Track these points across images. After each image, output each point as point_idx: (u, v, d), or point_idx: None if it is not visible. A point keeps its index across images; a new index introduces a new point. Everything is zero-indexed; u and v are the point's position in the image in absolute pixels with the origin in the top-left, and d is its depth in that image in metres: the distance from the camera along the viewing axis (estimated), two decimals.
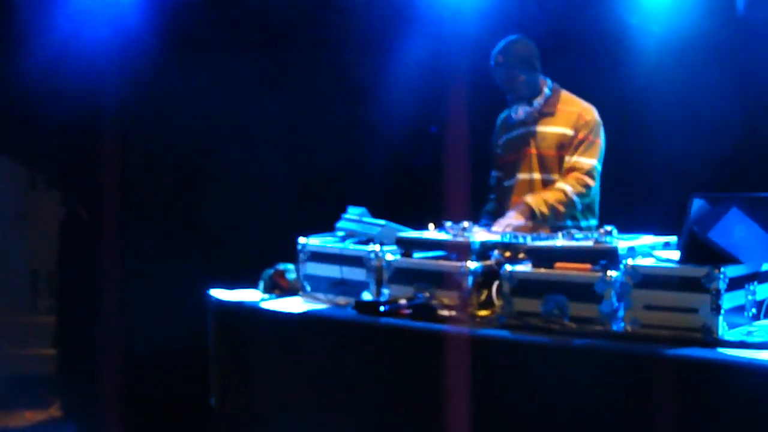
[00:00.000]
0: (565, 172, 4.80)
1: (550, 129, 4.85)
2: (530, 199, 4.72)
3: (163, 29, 6.38)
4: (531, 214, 4.68)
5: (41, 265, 8.16)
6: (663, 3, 5.79)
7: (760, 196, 3.64)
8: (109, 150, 6.52)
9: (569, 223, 4.75)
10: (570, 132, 4.82)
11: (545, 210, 4.69)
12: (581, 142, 4.80)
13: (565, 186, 4.76)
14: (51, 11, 6.25)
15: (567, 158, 4.81)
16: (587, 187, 4.78)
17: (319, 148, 6.49)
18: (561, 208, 4.73)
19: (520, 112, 4.88)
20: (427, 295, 4.00)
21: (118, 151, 6.55)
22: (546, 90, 4.88)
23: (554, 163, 4.84)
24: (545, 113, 4.86)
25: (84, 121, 6.49)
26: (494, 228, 4.53)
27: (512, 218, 4.64)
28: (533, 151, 4.88)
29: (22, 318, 8.13)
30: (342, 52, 6.52)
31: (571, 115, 4.84)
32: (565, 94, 4.92)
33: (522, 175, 4.91)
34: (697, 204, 3.42)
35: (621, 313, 3.52)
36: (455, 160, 5.58)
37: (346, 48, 6.50)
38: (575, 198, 4.75)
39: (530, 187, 4.85)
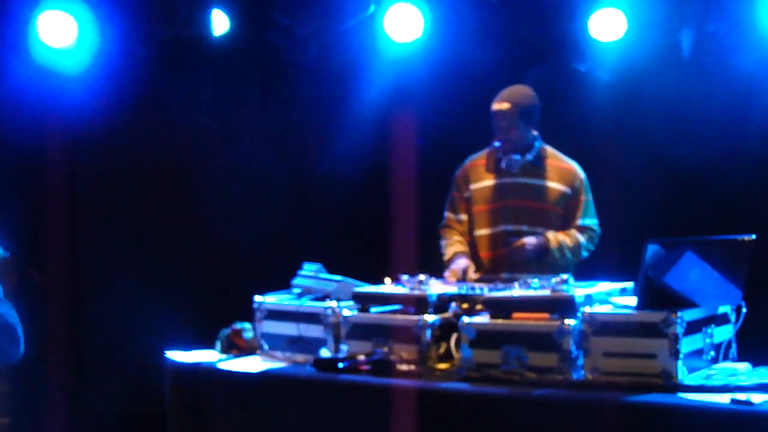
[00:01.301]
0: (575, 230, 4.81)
1: (543, 183, 4.81)
2: (551, 235, 4.70)
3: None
4: (545, 249, 4.67)
5: None
6: (610, 47, 5.85)
7: (712, 239, 3.67)
8: (61, 210, 6.46)
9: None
10: (567, 190, 4.80)
11: (558, 252, 4.69)
12: (583, 202, 4.81)
13: (581, 238, 4.77)
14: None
15: (571, 221, 4.79)
16: (594, 245, 4.82)
17: (272, 205, 6.47)
18: (570, 256, 4.74)
19: (510, 161, 4.80)
20: (386, 349, 3.96)
21: (69, 211, 6.49)
22: (536, 143, 4.83)
23: (545, 217, 4.79)
24: (535, 166, 4.81)
25: (32, 177, 6.43)
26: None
27: (526, 244, 4.63)
28: (523, 203, 4.81)
29: None
30: (290, 104, 6.53)
31: (564, 172, 4.83)
32: (550, 149, 4.89)
33: (506, 226, 4.79)
34: (652, 249, 3.44)
35: (580, 362, 3.52)
36: (406, 212, 5.59)
37: (295, 101, 6.52)
38: (584, 252, 4.78)
39: (516, 237, 4.74)
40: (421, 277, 4.13)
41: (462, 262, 4.68)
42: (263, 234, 6.40)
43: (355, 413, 3.88)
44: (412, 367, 3.88)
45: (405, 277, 4.15)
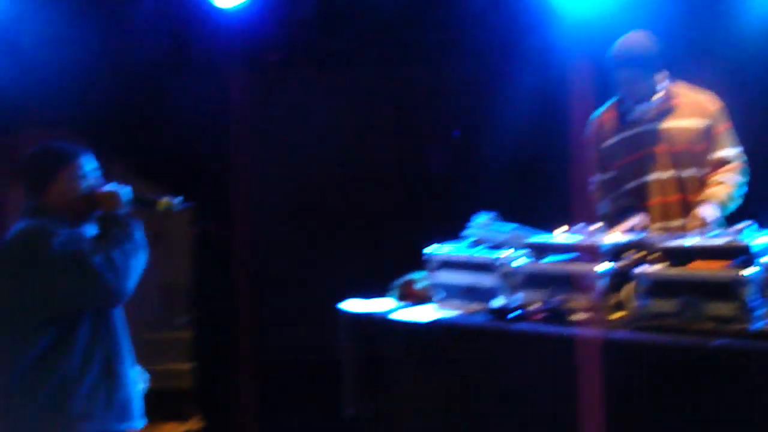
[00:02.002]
0: (715, 166, 4.71)
1: (676, 124, 4.74)
2: (711, 193, 4.63)
3: (274, 43, 6.50)
4: (719, 207, 4.60)
5: (175, 282, 8.36)
6: None
7: None
8: (238, 166, 6.67)
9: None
10: (701, 125, 4.71)
11: (729, 202, 4.64)
12: (720, 133, 4.70)
13: (728, 178, 4.68)
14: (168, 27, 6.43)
15: (712, 153, 4.70)
16: (744, 176, 4.72)
17: (446, 156, 6.50)
18: (731, 202, 4.66)
19: (638, 111, 4.76)
20: (559, 299, 3.97)
21: (246, 168, 6.68)
22: (664, 84, 4.74)
23: (687, 159, 4.72)
24: (666, 109, 4.75)
25: (209, 138, 6.65)
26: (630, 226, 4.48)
27: (703, 213, 4.54)
28: (662, 148, 4.76)
29: (159, 334, 8.34)
30: (459, 54, 6.51)
31: (695, 106, 4.73)
32: (680, 86, 4.78)
33: (653, 175, 4.75)
34: None
35: (759, 311, 3.45)
36: (581, 160, 5.53)
37: (464, 51, 6.50)
38: (742, 189, 4.70)
39: (664, 186, 4.73)
40: (596, 226, 4.11)
41: (637, 217, 4.64)
42: (436, 183, 6.45)
43: (528, 362, 3.91)
44: (586, 316, 3.88)
45: (579, 227, 4.14)
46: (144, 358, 8.12)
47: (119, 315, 3.78)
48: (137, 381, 3.87)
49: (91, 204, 3.77)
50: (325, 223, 6.62)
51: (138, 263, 3.71)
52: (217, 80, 6.62)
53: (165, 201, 3.89)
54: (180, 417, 7.67)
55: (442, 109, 6.55)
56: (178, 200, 3.84)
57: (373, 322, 4.60)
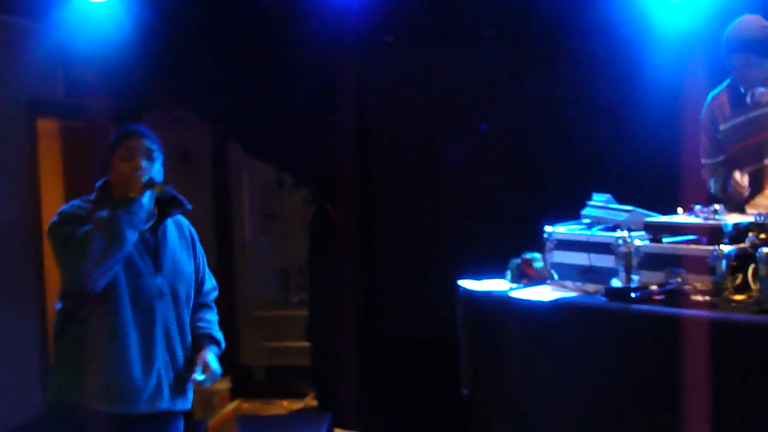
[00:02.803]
0: None
1: None
2: None
3: (394, 22, 6.53)
4: None
5: (291, 262, 8.52)
6: None
7: None
8: (352, 146, 6.74)
9: None
10: None
11: None
12: None
13: None
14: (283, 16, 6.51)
15: None
16: None
17: (561, 137, 6.45)
18: None
19: (757, 94, 4.65)
20: (679, 280, 3.93)
21: (360, 147, 6.75)
22: None
23: None
24: None
25: (326, 118, 6.73)
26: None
27: None
28: None
29: (276, 312, 8.51)
30: (577, 33, 6.44)
31: None
32: None
33: None
34: None
35: None
36: (693, 144, 5.45)
37: (581, 29, 6.43)
38: None
39: None
40: (716, 206, 4.05)
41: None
42: (555, 164, 6.41)
43: (647, 343, 3.89)
44: (707, 298, 3.83)
45: (698, 207, 4.09)
46: (260, 336, 8.35)
47: (143, 302, 3.67)
48: (150, 367, 3.68)
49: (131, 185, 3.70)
50: (442, 202, 6.63)
51: (108, 253, 3.48)
52: (331, 61, 6.70)
53: (161, 185, 3.71)
54: (296, 394, 7.82)
55: (560, 88, 6.49)
56: (168, 187, 3.73)
57: (491, 301, 4.62)
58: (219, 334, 3.94)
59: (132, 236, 3.56)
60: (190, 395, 3.86)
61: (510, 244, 4.90)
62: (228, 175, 8.44)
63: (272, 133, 6.91)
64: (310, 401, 7.51)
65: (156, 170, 3.75)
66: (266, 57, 6.69)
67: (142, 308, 3.67)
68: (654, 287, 3.96)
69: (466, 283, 4.82)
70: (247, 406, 7.70)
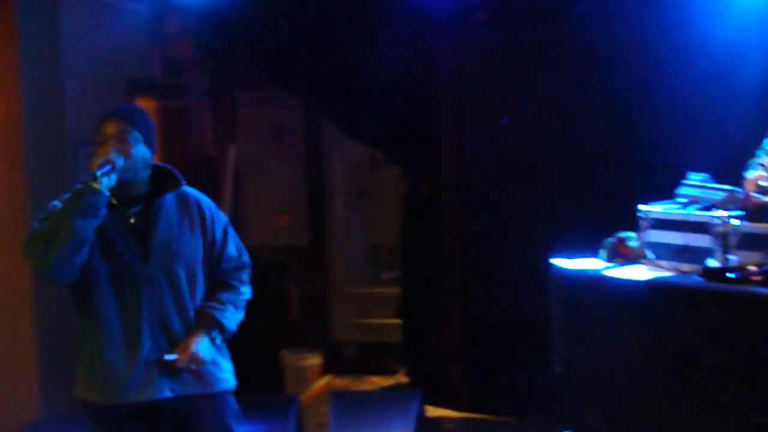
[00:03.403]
0: None
1: None
2: None
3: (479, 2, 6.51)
4: None
5: (383, 239, 8.55)
6: None
7: None
8: (448, 125, 6.72)
9: None
10: None
11: None
12: None
13: None
14: None
15: None
16: None
17: (656, 116, 6.35)
18: None
19: None
20: None
21: (455, 126, 6.73)
22: None
23: None
24: None
25: (420, 97, 6.72)
26: None
27: None
28: None
29: (367, 290, 8.55)
30: (667, 10, 6.32)
31: None
32: None
33: None
34: None
35: None
36: None
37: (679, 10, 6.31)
38: None
39: None
40: None
41: None
42: (648, 143, 6.31)
43: (744, 324, 3.84)
44: None
45: None
46: (352, 313, 8.41)
47: (131, 289, 3.51)
48: (135, 356, 3.50)
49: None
50: (535, 180, 6.57)
51: (60, 243, 3.33)
52: (425, 39, 6.69)
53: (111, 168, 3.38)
54: (387, 371, 7.86)
55: (655, 64, 6.38)
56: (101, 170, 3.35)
57: (584, 280, 4.60)
58: (224, 316, 3.64)
59: (84, 224, 3.33)
60: (223, 374, 3.66)
61: (604, 222, 4.86)
62: (320, 153, 8.50)
63: (365, 111, 6.93)
64: (401, 378, 7.54)
65: (137, 152, 3.48)
66: (360, 35, 6.70)
67: (126, 295, 3.50)
68: (752, 267, 3.90)
69: (560, 262, 4.81)
70: (338, 382, 7.77)
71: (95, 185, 3.36)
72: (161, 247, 3.55)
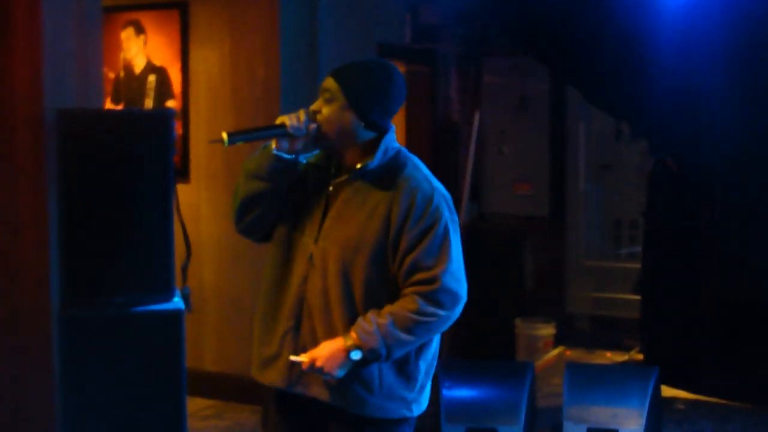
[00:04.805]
0: None
1: None
2: None
3: None
4: None
5: (624, 214, 8.43)
6: None
7: None
8: (704, 98, 6.48)
9: None
10: None
11: None
12: None
13: None
14: None
15: None
16: None
17: None
18: None
19: None
20: None
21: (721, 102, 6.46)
22: None
23: None
24: None
25: (675, 69, 6.53)
26: None
27: None
28: None
29: (605, 263, 8.47)
30: None
31: None
32: None
33: None
34: None
35: None
36: None
37: None
38: None
39: None
40: None
41: None
42: None
43: None
44: None
45: None
46: (588, 286, 8.33)
47: None
48: (272, 333, 3.17)
49: None
50: None
51: (239, 193, 3.18)
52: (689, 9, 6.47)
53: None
54: (620, 346, 7.77)
55: None
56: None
57: None
58: (371, 331, 2.95)
59: (252, 185, 3.08)
60: (374, 398, 3.05)
61: None
62: (565, 124, 8.43)
63: (615, 82, 6.80)
64: (635, 355, 7.42)
65: (333, 116, 3.05)
66: (610, 2, 6.57)
67: (287, 270, 3.12)
68: None
69: None
70: (571, 354, 7.74)
71: (270, 147, 3.06)
72: (333, 227, 3.07)
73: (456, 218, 3.11)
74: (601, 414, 4.97)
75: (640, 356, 7.26)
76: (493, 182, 8.44)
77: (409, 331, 2.97)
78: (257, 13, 6.22)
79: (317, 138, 3.06)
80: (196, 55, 6.48)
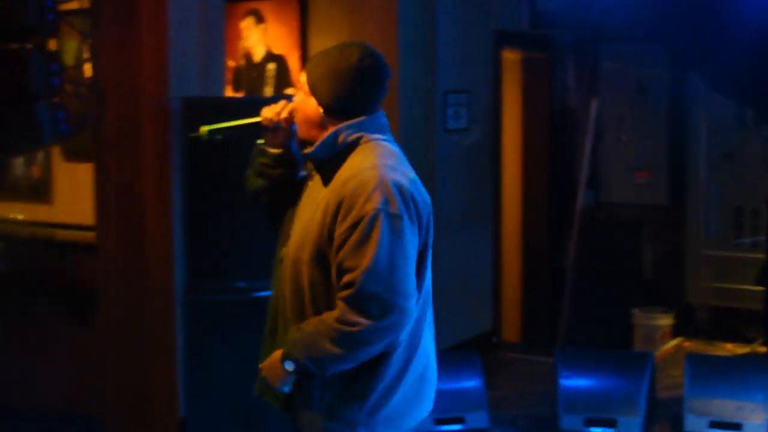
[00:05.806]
0: None
1: None
2: None
3: None
4: None
5: (746, 203, 8.22)
6: None
7: None
8: None
9: None
10: None
11: None
12: None
13: None
14: None
15: None
16: None
17: None
18: None
19: None
20: None
21: None
22: None
23: None
24: None
25: None
26: None
27: None
28: None
29: (726, 253, 8.28)
30: None
31: None
32: None
33: None
34: None
35: None
36: None
37: None
38: None
39: None
40: None
41: None
42: None
43: None
44: None
45: None
46: (708, 276, 8.17)
47: None
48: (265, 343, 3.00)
49: None
50: None
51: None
52: None
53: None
54: (741, 338, 7.61)
55: None
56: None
57: None
58: (298, 339, 2.67)
59: (249, 177, 3.02)
60: (314, 415, 2.75)
61: None
62: (685, 110, 8.26)
63: (739, 67, 6.63)
64: (758, 347, 7.25)
65: (299, 105, 2.88)
66: None
67: (274, 269, 2.96)
68: None
69: None
70: (690, 345, 7.60)
71: (259, 141, 3.00)
72: (297, 226, 2.85)
73: (403, 211, 2.64)
74: (723, 407, 4.88)
75: (763, 348, 7.10)
76: (611, 170, 8.32)
77: (334, 342, 2.59)
78: (375, 2, 6.26)
79: (297, 131, 2.91)
80: (315, 43, 6.55)
